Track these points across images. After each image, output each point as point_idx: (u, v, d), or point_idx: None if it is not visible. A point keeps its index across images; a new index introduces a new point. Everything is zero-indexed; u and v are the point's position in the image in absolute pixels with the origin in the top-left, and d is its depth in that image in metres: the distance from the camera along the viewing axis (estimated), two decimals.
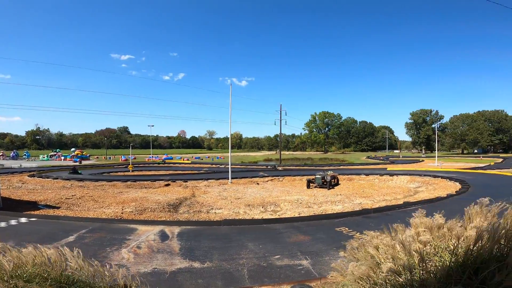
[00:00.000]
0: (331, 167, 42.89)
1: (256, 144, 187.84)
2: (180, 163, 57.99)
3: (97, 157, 78.73)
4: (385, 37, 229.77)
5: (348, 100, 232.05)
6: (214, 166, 50.02)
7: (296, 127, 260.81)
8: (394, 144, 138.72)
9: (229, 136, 31.75)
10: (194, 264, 7.67)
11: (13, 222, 12.59)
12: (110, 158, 75.73)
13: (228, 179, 28.56)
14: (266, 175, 33.33)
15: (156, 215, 15.72)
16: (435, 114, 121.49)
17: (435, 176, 28.19)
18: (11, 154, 70.73)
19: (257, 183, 28.57)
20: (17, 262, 3.44)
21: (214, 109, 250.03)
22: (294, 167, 48.09)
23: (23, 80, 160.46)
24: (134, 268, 7.37)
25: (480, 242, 2.30)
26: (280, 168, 44.56)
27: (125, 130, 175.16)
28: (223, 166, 46.50)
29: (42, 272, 3.41)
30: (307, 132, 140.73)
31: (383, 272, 2.55)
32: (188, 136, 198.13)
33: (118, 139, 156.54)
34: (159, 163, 56.58)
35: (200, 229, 11.38)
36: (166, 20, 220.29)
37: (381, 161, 60.56)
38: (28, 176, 30.97)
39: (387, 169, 38.56)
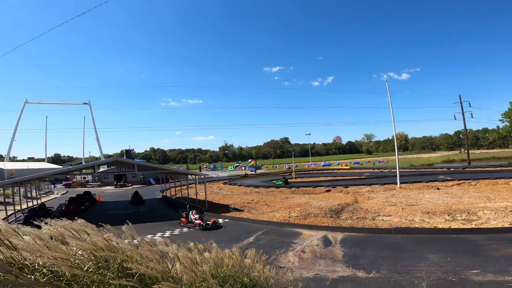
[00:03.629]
0: None
1: (428, 144, 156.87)
2: (338, 169, 57.16)
3: (267, 166, 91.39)
4: None
5: None
6: (376, 171, 45.78)
7: (489, 120, 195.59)
8: None
9: (393, 135, 28.18)
10: (358, 273, 7.00)
11: None
12: (276, 166, 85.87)
13: (396, 183, 25.06)
14: (449, 178, 26.77)
15: (319, 220, 15.90)
16: None
17: None
18: (211, 166, 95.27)
19: (437, 188, 23.32)
20: (218, 262, 3.83)
21: (370, 111, 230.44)
22: (491, 168, 35.95)
23: (210, 104, 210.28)
24: (298, 272, 7.62)
25: None
26: (469, 170, 34.55)
27: (286, 140, 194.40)
28: (387, 170, 41.67)
29: (234, 274, 3.67)
30: (507, 124, 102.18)
31: None
32: (344, 142, 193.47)
33: (281, 149, 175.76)
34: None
35: (365, 237, 10.42)
36: (306, 23, 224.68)
37: None
38: (223, 183, 40.05)
39: None
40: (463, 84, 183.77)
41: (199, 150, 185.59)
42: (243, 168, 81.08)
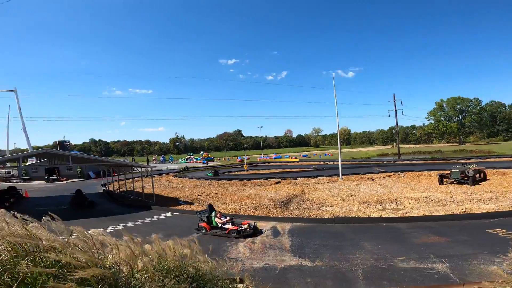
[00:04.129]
0: (472, 160, 34.32)
1: (367, 139, 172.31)
2: (288, 162, 59.55)
3: (219, 159, 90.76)
4: None
5: (488, 81, 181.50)
6: (322, 163, 48.84)
7: (417, 117, 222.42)
8: None
9: (337, 131, 30.32)
10: (304, 262, 7.47)
11: (162, 216, 15.85)
12: (228, 159, 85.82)
13: (339, 175, 27.12)
14: (382, 170, 29.83)
15: (269, 212, 16.44)
16: None
17: None
18: (160, 158, 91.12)
19: (372, 179, 25.89)
20: (161, 253, 3.83)
21: (318, 106, 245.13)
22: (417, 162, 41.24)
23: (161, 94, 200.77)
24: (248, 262, 7.82)
25: None
26: (400, 163, 39.12)
27: (239, 133, 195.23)
28: (332, 163, 44.75)
29: (179, 265, 3.71)
30: (432, 122, 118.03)
31: None
32: (294, 135, 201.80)
33: (233, 141, 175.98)
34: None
35: (311, 226, 11.11)
36: (263, 18, 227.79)
37: None
38: (172, 176, 38.62)
39: None
40: (398, 84, 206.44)
41: (147, 142, 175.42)
42: (195, 160, 79.27)
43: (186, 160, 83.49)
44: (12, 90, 63.27)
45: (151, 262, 3.35)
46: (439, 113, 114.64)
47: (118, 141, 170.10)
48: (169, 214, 16.02)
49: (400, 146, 60.29)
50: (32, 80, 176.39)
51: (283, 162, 60.06)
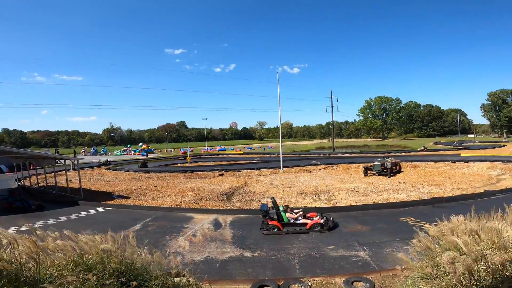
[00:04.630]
0: (391, 154, 39.46)
1: (307, 133, 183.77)
2: (232, 154, 59.87)
3: (160, 151, 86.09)
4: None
5: (408, 84, 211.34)
6: (265, 155, 50.38)
7: (350, 114, 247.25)
8: (468, 128, 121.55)
9: (279, 125, 31.53)
10: (245, 253, 7.67)
11: (92, 211, 14.41)
12: (171, 151, 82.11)
13: (280, 168, 28.37)
14: (319, 163, 32.23)
15: (211, 204, 16.34)
16: None
17: None
18: (91, 150, 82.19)
19: (310, 172, 27.79)
20: (85, 248, 3.61)
21: (264, 99, 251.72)
22: (349, 155, 45.65)
23: (93, 82, 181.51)
24: (188, 256, 7.68)
25: None
26: (334, 156, 42.77)
27: (183, 124, 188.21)
28: (274, 155, 46.49)
29: (103, 259, 3.57)
30: (362, 118, 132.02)
31: (492, 265, 1.96)
32: (239, 128, 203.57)
33: (177, 133, 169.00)
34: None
35: (252, 218, 11.42)
36: (215, 10, 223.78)
37: (452, 147, 53.56)
38: (105, 169, 35.32)
39: (461, 155, 33.78)
40: (337, 81, 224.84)
41: (75, 132, 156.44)
42: (133, 152, 73.76)
43: (123, 152, 77.20)
44: None
45: (65, 257, 3.20)
46: (368, 110, 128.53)
47: (38, 131, 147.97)
48: (100, 209, 14.67)
49: (335, 140, 65.92)
50: None
51: (228, 154, 60.12)
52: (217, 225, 10.92)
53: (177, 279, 4.11)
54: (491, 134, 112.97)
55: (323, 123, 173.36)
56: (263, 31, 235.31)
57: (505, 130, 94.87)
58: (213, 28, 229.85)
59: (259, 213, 10.51)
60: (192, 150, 70.36)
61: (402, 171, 25.01)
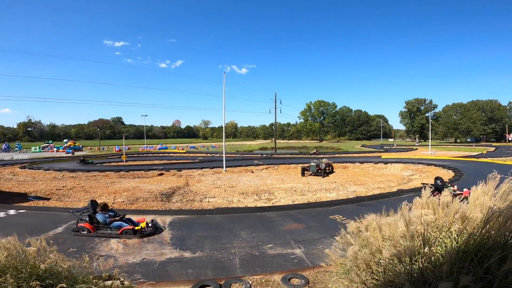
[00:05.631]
0: (326, 155, 42.93)
1: (251, 133, 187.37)
2: (174, 153, 57.52)
3: (90, 148, 77.70)
4: (380, 28, 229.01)
5: (344, 89, 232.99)
6: (209, 155, 49.72)
7: (292, 116, 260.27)
8: (388, 132, 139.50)
9: (223, 125, 31.46)
10: (184, 254, 7.49)
11: (1, 214, 12.25)
12: (103, 149, 74.82)
13: (223, 167, 28.35)
14: (261, 163, 33.19)
15: (148, 205, 15.50)
16: (429, 103, 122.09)
17: (428, 164, 28.34)
18: (3, 146, 69.38)
19: (252, 172, 28.44)
20: None
21: (210, 98, 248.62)
22: (289, 155, 48.09)
23: (11, 71, 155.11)
24: (122, 258, 7.16)
25: (487, 226, 2.07)
26: (275, 157, 44.55)
27: (119, 120, 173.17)
28: (218, 155, 46.22)
29: (16, 263, 3.26)
30: (302, 121, 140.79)
31: (386, 258, 2.31)
32: (183, 126, 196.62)
33: (112, 129, 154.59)
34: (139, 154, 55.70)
35: (192, 218, 11.18)
36: (165, 4, 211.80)
37: (375, 150, 60.93)
38: (19, 168, 30.36)
39: (382, 157, 38.72)
40: (281, 83, 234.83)
41: None
42: (55, 149, 64.85)
43: (42, 148, 67.35)
44: None
45: None
46: (308, 113, 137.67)
47: None
48: (12, 212, 12.58)
49: (277, 141, 68.70)
50: None
51: (169, 153, 57.50)
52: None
53: (109, 282, 3.83)
54: (406, 139, 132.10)
55: (267, 124, 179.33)
56: (213, 28, 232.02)
57: (417, 135, 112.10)
58: (161, 22, 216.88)
59: (200, 213, 10.38)
60: (128, 148, 65.36)
61: (334, 172, 27.45)
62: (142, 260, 7.12)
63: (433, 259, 2.22)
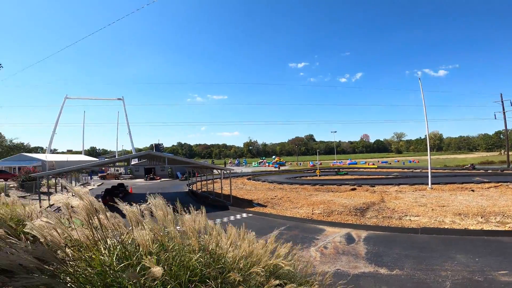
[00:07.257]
0: None
1: (464, 144, 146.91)
2: (364, 168, 55.60)
3: (291, 163, 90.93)
4: None
5: None
6: (405, 170, 43.99)
7: None
8: None
9: (426, 135, 27.13)
10: (380, 270, 7.02)
11: (238, 216, 16.97)
12: (300, 164, 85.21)
13: (427, 184, 24.05)
14: (485, 180, 25.20)
15: (343, 218, 15.80)
16: None
17: None
18: (236, 161, 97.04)
19: (472, 190, 22.08)
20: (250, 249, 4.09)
21: (400, 109, 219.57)
22: None
23: (235, 100, 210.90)
24: (319, 267, 7.77)
25: None
26: (509, 172, 32.18)
27: (311, 137, 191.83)
28: (418, 170, 39.93)
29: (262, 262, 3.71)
30: None
31: None
32: (372, 140, 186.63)
33: (305, 146, 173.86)
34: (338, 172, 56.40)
35: (390, 235, 10.29)
36: (334, 17, 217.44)
37: None
38: (247, 179, 40.67)
39: None
40: (506, 82, 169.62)
41: (224, 146, 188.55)
42: (267, 164, 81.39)
43: (259, 164, 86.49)
44: (120, 99, 76.82)
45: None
46: None
47: (199, 144, 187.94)
48: (244, 215, 16.97)
49: (510, 153, 49.38)
50: (128, 89, 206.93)
51: (359, 168, 56.38)
52: (349, 239, 10.48)
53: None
54: None
55: (490, 132, 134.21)
56: (389, 32, 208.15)
57: None
58: (331, 37, 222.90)
59: (400, 231, 9.38)
60: (320, 164, 70.47)
61: None
62: (337, 270, 7.39)
63: None
